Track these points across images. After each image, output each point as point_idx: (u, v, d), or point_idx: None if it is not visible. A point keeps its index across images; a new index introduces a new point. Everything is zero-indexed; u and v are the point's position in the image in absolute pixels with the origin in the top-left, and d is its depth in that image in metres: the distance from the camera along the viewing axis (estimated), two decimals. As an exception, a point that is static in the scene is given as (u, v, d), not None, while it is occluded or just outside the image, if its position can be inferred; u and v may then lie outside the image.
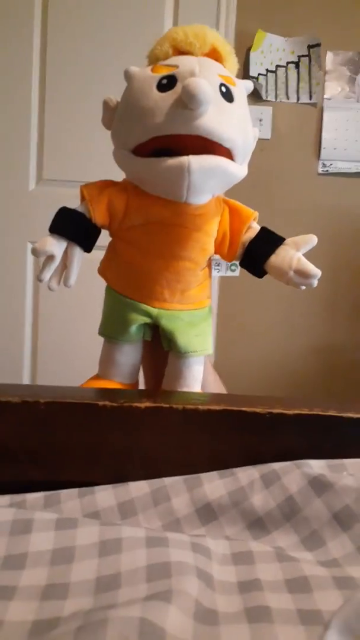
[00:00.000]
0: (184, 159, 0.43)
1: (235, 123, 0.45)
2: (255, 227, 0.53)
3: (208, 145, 0.44)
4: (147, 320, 0.53)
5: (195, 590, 0.28)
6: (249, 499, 0.38)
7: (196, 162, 0.43)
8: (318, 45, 1.61)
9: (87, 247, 0.51)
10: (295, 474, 0.39)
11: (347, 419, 0.43)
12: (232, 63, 0.49)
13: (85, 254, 0.52)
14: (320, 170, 1.68)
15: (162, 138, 0.44)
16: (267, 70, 1.62)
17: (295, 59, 1.63)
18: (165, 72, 0.45)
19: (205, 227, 0.51)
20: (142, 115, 0.45)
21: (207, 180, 0.45)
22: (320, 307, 1.73)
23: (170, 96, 0.44)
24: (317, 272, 0.49)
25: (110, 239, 0.55)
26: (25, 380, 1.68)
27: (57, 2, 1.53)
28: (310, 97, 1.64)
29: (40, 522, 0.33)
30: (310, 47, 1.62)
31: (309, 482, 0.38)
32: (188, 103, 0.42)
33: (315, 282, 0.50)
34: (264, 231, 0.53)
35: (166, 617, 0.25)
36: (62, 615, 0.27)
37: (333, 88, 1.65)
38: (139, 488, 0.39)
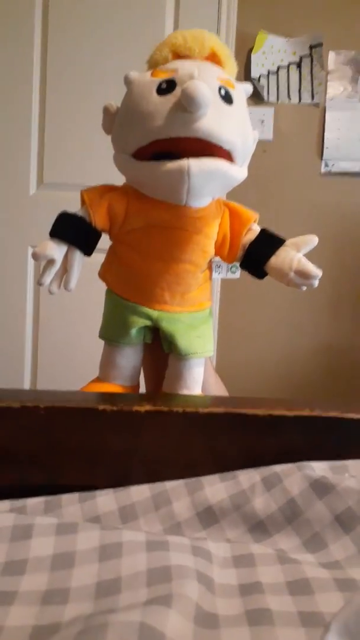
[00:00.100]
0: (184, 162, 0.43)
1: (234, 125, 0.46)
2: (256, 229, 0.53)
3: (207, 148, 0.44)
4: (148, 322, 0.53)
5: (196, 594, 0.28)
6: (250, 502, 0.38)
7: (196, 165, 0.44)
8: (320, 45, 1.61)
9: (88, 251, 0.51)
10: (296, 476, 0.39)
11: (348, 420, 0.43)
12: (231, 66, 0.49)
13: (86, 257, 0.52)
14: (323, 170, 1.67)
15: (162, 141, 0.44)
16: (269, 71, 1.62)
17: (297, 60, 1.63)
18: (164, 76, 0.45)
19: (205, 229, 0.51)
20: (142, 119, 0.45)
21: (207, 183, 0.46)
22: (322, 308, 1.73)
23: (169, 100, 0.44)
24: (318, 272, 0.49)
25: (110, 242, 0.55)
26: (26, 383, 1.68)
27: (57, 4, 1.54)
28: (313, 98, 1.64)
29: (40, 527, 0.33)
30: (312, 47, 1.61)
31: (310, 484, 0.38)
32: (187, 106, 0.42)
33: (315, 283, 0.49)
34: (264, 233, 0.53)
35: (166, 621, 0.25)
36: (63, 620, 0.27)
37: (335, 88, 1.64)
38: (139, 492, 0.39)
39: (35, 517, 0.34)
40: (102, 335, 0.57)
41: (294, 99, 1.64)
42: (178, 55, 0.47)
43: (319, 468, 0.40)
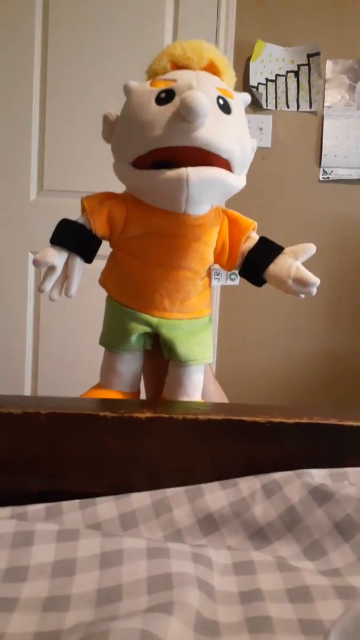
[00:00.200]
0: (183, 171, 0.44)
1: (232, 134, 0.46)
2: (254, 237, 0.53)
3: (206, 157, 0.45)
4: (148, 329, 0.53)
5: (196, 601, 0.28)
6: (250, 509, 0.38)
7: (194, 173, 0.44)
8: (317, 54, 1.62)
9: (88, 258, 0.52)
10: (296, 483, 0.39)
11: (347, 427, 0.43)
12: (230, 76, 0.50)
13: (86, 264, 0.52)
14: (321, 177, 1.68)
15: (161, 150, 0.45)
16: (267, 80, 1.63)
17: (295, 68, 1.64)
18: (163, 86, 0.46)
19: (204, 237, 0.51)
20: (141, 128, 0.45)
21: (206, 191, 0.46)
22: (321, 314, 1.73)
23: (168, 109, 0.44)
24: (316, 280, 0.49)
25: (110, 249, 0.55)
26: (27, 390, 1.68)
27: (57, 4, 1.55)
28: (310, 106, 1.65)
29: (41, 534, 0.33)
30: (309, 55, 1.63)
31: (310, 491, 0.38)
32: (186, 115, 0.42)
33: (314, 291, 0.50)
34: (262, 241, 0.53)
35: (167, 628, 0.25)
36: (64, 628, 0.27)
37: (333, 96, 1.66)
38: (140, 499, 0.39)
39: (36, 524, 0.34)
40: (103, 341, 0.57)
41: (292, 106, 1.65)
42: (177, 66, 0.48)
43: (318, 475, 0.40)
